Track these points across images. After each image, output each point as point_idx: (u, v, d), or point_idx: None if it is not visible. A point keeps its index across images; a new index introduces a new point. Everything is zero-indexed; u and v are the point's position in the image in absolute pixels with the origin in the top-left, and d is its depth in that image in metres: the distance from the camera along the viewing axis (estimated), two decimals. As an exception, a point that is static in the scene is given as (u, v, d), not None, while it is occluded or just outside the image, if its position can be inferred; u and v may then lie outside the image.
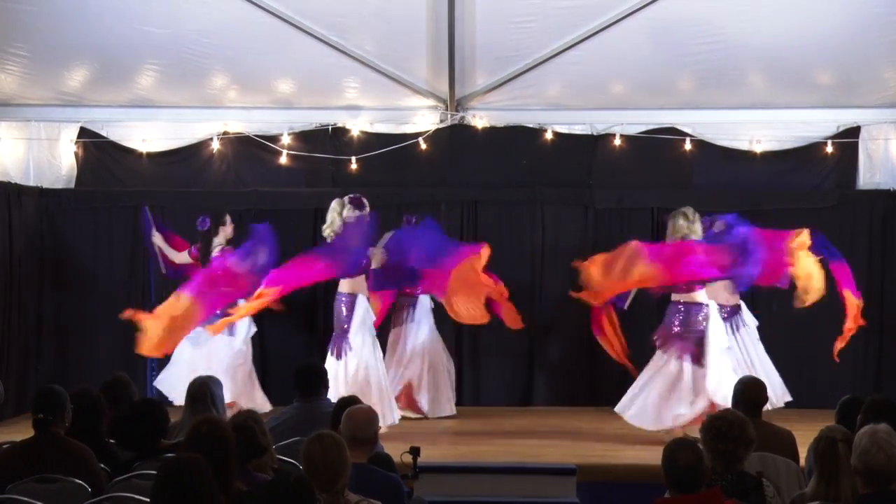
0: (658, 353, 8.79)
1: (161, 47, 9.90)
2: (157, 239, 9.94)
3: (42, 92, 10.54)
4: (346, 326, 8.82)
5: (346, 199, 9.06)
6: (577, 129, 10.93)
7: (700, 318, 8.67)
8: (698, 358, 8.60)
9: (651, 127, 10.85)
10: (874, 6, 9.30)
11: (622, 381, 10.43)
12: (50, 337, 10.72)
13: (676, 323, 8.69)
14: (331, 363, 8.66)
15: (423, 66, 10.33)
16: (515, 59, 10.20)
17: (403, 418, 9.36)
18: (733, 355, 9.23)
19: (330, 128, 10.90)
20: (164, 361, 10.74)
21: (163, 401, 7.76)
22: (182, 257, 9.92)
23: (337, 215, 9.00)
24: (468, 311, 9.15)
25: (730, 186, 10.82)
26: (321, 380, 6.71)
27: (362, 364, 8.77)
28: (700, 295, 8.71)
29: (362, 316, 8.86)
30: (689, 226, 8.78)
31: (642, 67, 10.15)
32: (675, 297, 8.79)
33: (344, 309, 8.86)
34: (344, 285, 8.92)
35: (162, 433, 5.45)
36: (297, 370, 6.86)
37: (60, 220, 10.78)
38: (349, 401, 5.67)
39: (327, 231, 9.05)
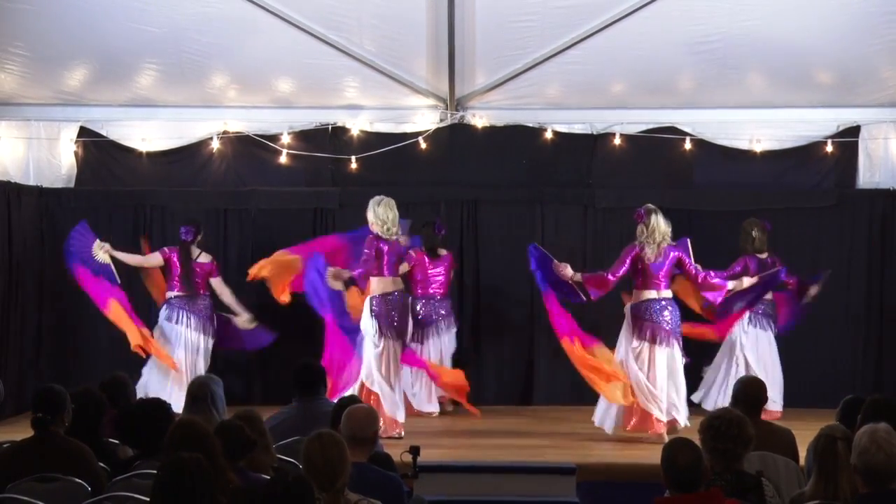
0: (653, 347, 8.75)
1: (161, 47, 9.91)
2: (108, 248, 9.81)
3: (42, 91, 10.54)
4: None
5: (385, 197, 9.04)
6: (577, 129, 10.92)
7: (677, 314, 8.77)
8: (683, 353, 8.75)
9: (651, 126, 10.84)
10: (873, 6, 9.31)
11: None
12: (50, 336, 10.71)
13: (662, 320, 8.71)
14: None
15: (423, 65, 10.33)
16: (515, 58, 10.20)
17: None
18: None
19: (330, 127, 10.90)
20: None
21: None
22: (154, 259, 9.95)
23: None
24: None
25: (730, 186, 10.83)
26: (320, 379, 6.71)
27: None
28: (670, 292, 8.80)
29: None
30: (668, 229, 8.75)
31: (642, 67, 10.16)
32: (649, 294, 8.75)
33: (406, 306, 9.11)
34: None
35: (165, 432, 5.43)
36: (295, 369, 6.86)
37: (60, 219, 10.75)
38: (349, 400, 5.66)
39: (394, 229, 8.91)
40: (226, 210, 10.81)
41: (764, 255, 9.82)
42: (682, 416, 8.64)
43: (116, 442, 5.70)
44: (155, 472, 4.35)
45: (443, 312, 10.19)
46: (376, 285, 8.80)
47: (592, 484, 7.60)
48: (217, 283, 9.96)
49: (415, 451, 5.79)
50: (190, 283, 9.87)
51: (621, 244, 10.34)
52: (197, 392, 6.13)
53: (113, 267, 9.82)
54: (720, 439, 4.74)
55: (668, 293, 8.72)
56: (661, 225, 8.68)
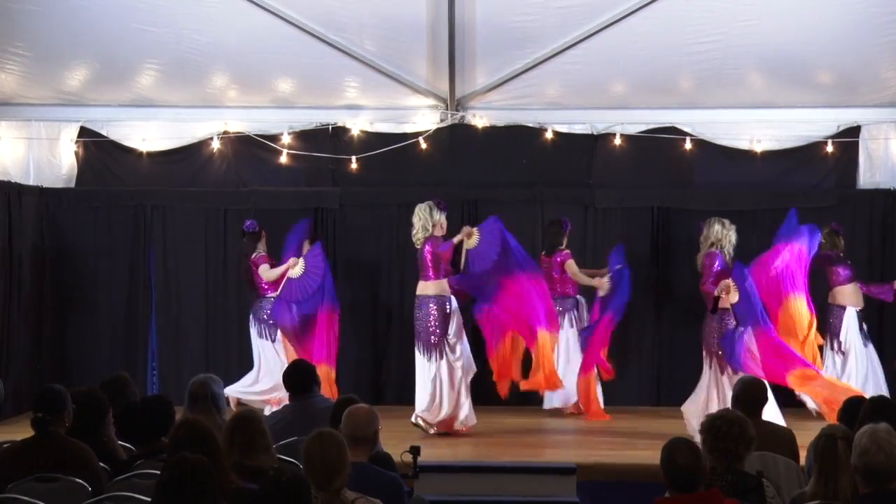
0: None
1: (161, 47, 9.92)
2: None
3: (42, 91, 10.54)
4: (442, 328, 8.82)
5: (433, 203, 8.96)
6: (578, 129, 10.92)
7: (714, 324, 8.65)
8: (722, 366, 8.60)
9: (651, 126, 10.84)
10: (874, 6, 9.31)
11: (622, 380, 10.48)
12: (50, 336, 10.70)
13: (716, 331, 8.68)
14: (426, 364, 8.82)
15: (424, 65, 10.34)
16: (515, 58, 10.21)
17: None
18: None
19: (330, 127, 10.90)
20: (164, 361, 10.80)
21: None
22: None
23: (429, 217, 8.90)
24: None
25: (730, 186, 10.81)
26: (311, 377, 6.73)
27: (465, 366, 8.96)
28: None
29: (458, 317, 8.99)
30: (725, 233, 8.74)
31: (642, 67, 10.16)
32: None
33: (437, 311, 8.85)
34: (429, 287, 8.89)
35: (166, 431, 5.43)
36: (285, 372, 6.91)
37: (61, 219, 10.77)
38: (349, 400, 5.67)
39: (420, 235, 8.90)
40: (226, 210, 10.80)
41: None
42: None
43: (117, 441, 5.69)
44: (156, 472, 4.35)
45: (559, 309, 9.92)
46: None
47: (593, 484, 7.60)
48: (261, 271, 9.73)
49: (415, 451, 5.78)
50: (249, 281, 9.86)
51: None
52: (197, 392, 6.12)
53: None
54: (722, 439, 4.75)
55: (719, 304, 8.64)
56: (713, 230, 8.77)
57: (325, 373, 9.19)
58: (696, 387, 8.81)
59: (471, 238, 9.00)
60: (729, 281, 8.52)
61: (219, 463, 4.40)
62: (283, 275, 9.62)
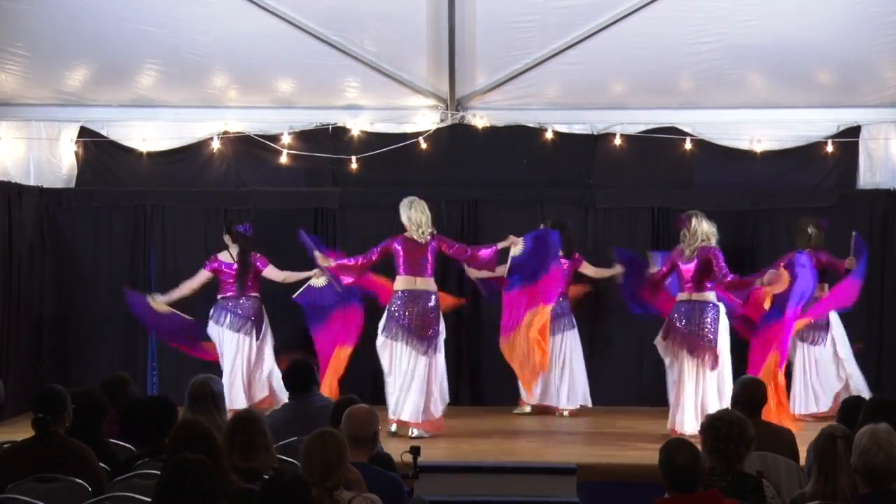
0: (668, 360, 8.79)
1: (161, 47, 9.92)
2: (160, 300, 9.68)
3: (42, 91, 10.54)
4: (436, 324, 8.85)
5: (416, 199, 8.99)
6: (578, 129, 10.93)
7: (708, 319, 8.62)
8: (712, 361, 8.56)
9: (651, 126, 10.85)
10: (874, 6, 9.31)
11: (622, 380, 10.49)
12: (50, 336, 10.70)
13: (682, 323, 8.66)
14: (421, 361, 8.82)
15: (424, 65, 10.34)
16: (515, 58, 10.21)
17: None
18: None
19: (330, 127, 10.90)
20: (164, 361, 10.79)
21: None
22: (202, 277, 9.75)
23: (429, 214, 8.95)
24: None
25: (730, 186, 10.82)
26: (311, 377, 6.75)
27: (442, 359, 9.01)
28: (710, 295, 8.66)
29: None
30: (711, 229, 8.72)
31: (642, 67, 10.16)
32: (681, 296, 8.76)
33: (427, 307, 8.84)
34: (420, 283, 8.87)
35: (167, 432, 5.43)
36: (285, 370, 6.92)
37: (61, 219, 10.77)
38: (349, 400, 5.67)
39: (428, 230, 8.89)
40: (226, 210, 10.79)
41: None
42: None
43: (117, 442, 5.70)
44: (156, 472, 4.36)
45: (560, 312, 9.97)
46: (395, 283, 8.94)
47: (593, 484, 7.60)
48: (270, 271, 9.66)
49: (415, 451, 5.79)
50: (244, 281, 9.66)
51: (621, 244, 10.40)
52: (197, 392, 6.12)
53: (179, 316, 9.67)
54: (722, 440, 4.75)
55: (701, 296, 8.62)
56: (702, 226, 8.72)
57: (345, 353, 9.31)
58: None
59: (517, 246, 9.15)
60: (781, 270, 8.54)
61: (219, 463, 4.40)
62: (295, 280, 9.61)
